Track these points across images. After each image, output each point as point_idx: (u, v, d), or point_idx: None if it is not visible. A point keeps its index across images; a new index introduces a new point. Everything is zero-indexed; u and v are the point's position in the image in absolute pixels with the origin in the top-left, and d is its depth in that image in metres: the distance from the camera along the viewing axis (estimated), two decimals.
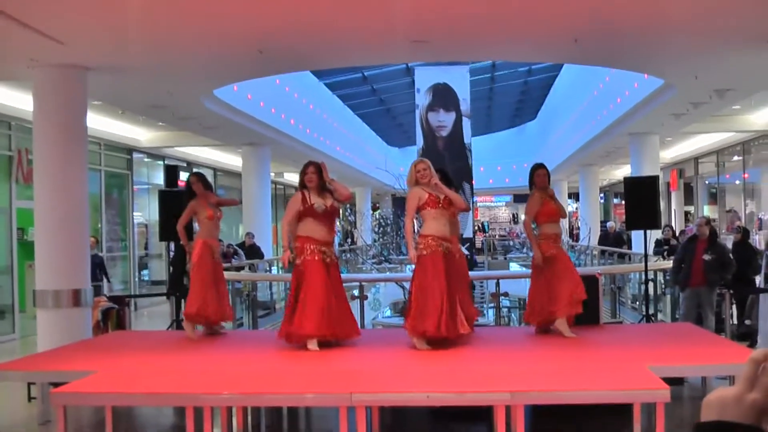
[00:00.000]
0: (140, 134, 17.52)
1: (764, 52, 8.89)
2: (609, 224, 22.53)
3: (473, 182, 21.69)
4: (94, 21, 7.75)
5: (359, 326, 7.94)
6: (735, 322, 10.67)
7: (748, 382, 1.10)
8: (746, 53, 9.30)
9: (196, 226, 8.80)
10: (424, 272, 7.11)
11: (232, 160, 22.20)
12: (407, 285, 11.59)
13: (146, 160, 19.51)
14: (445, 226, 7.25)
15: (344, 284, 7.94)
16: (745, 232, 11.64)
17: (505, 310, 15.16)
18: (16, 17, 7.26)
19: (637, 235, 16.90)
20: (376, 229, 30.76)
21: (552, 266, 7.77)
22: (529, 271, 8.31)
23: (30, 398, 7.80)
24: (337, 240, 26.83)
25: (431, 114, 21.93)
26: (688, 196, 25.54)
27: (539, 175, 8.04)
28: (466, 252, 13.24)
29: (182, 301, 10.12)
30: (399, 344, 7.34)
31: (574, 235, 31.14)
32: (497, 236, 38.91)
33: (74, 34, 8.11)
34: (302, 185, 7.55)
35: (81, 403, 6.48)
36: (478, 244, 30.27)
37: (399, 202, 33.86)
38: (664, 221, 19.46)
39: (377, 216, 32.47)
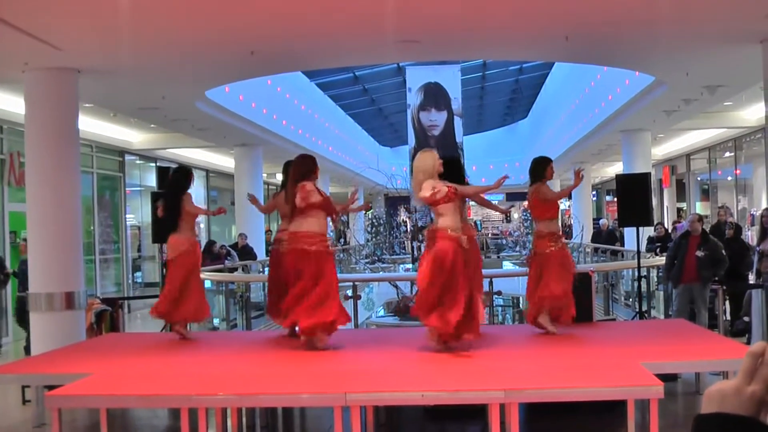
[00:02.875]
0: (132, 136, 17.47)
1: (754, 49, 8.92)
2: (602, 221, 22.53)
3: (466, 181, 21.69)
4: (85, 24, 7.72)
5: (354, 326, 7.94)
6: (728, 318, 10.71)
7: (747, 374, 1.11)
8: (736, 50, 9.33)
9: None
10: (441, 267, 6.56)
11: (224, 161, 22.17)
12: (401, 284, 11.63)
13: (138, 162, 19.46)
14: (460, 220, 6.86)
15: (338, 284, 7.85)
16: (737, 228, 11.69)
17: (498, 308, 15.16)
18: (11, 22, 7.23)
19: (629, 232, 16.94)
20: (369, 229, 30.76)
21: (555, 262, 7.63)
22: (522, 269, 8.21)
23: (24, 401, 7.79)
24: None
25: (423, 113, 21.99)
26: (680, 192, 25.60)
27: (552, 168, 7.87)
28: None
29: None
30: (393, 344, 7.34)
31: (566, 233, 31.19)
32: (490, 235, 38.87)
33: (66, 38, 8.07)
34: (308, 177, 7.16)
35: (75, 405, 6.48)
36: None
37: (391, 202, 33.85)
38: (656, 218, 19.52)
39: (370, 216, 32.44)
